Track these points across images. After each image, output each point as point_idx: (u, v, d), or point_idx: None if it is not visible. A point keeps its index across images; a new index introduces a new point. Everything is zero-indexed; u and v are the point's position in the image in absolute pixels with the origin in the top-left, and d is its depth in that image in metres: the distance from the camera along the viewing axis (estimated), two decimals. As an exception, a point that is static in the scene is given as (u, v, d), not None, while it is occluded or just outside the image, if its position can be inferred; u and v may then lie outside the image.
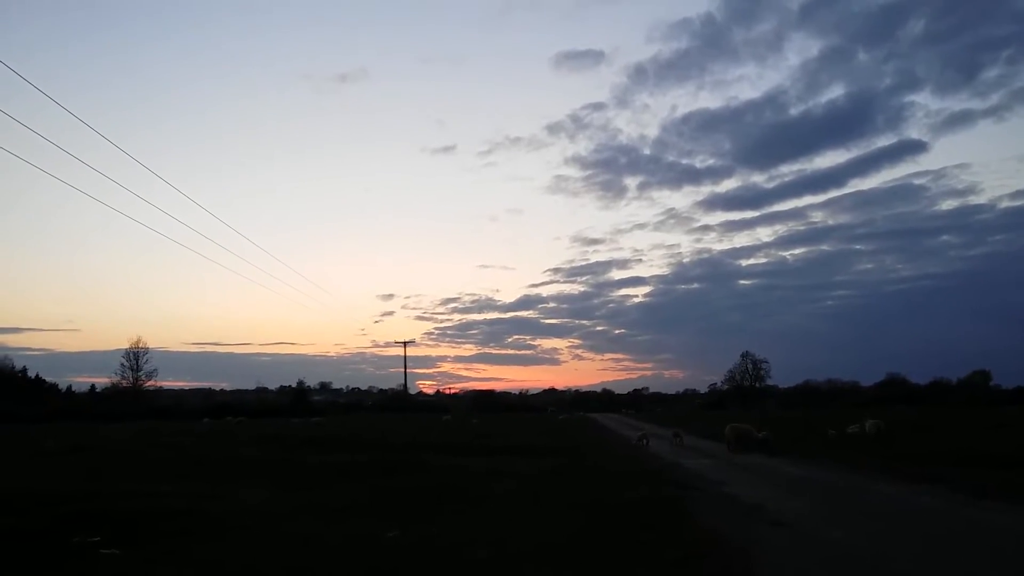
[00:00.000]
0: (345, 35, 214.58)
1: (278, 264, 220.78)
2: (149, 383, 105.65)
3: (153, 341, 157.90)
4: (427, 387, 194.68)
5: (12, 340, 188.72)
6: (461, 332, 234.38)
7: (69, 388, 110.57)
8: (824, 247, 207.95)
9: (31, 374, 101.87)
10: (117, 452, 28.45)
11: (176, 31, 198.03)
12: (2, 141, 19.80)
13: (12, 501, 13.86)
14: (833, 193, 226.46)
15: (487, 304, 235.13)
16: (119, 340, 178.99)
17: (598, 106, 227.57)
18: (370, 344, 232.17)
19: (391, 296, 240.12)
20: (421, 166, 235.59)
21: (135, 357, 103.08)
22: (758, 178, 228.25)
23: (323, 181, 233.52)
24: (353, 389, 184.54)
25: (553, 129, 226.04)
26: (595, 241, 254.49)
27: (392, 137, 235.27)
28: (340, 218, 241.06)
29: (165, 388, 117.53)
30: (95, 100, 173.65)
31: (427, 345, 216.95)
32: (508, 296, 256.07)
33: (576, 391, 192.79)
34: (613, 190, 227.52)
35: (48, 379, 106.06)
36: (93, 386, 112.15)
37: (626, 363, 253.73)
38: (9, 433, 42.20)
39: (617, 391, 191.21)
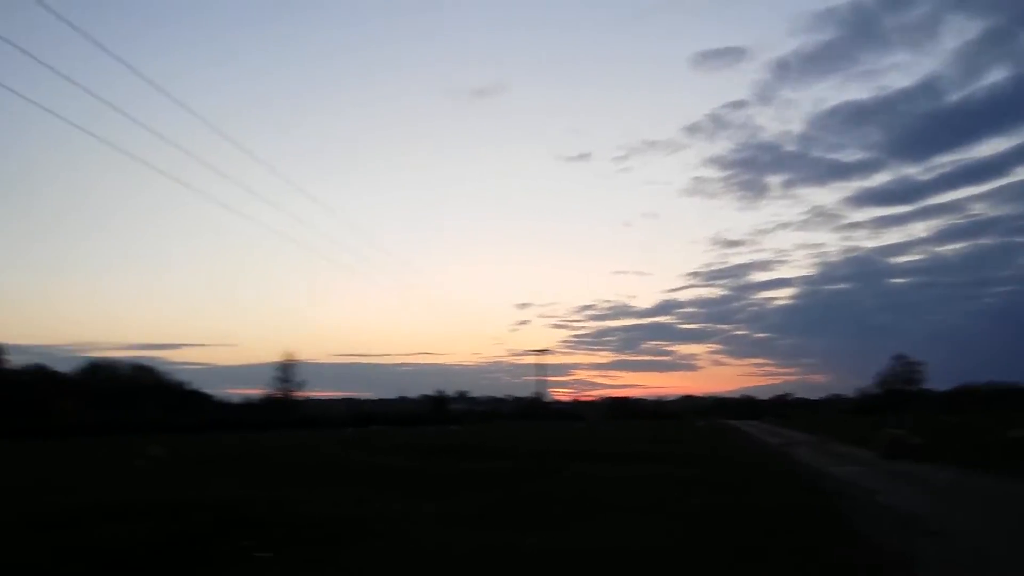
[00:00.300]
0: (482, 50, 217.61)
1: (418, 275, 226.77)
2: (299, 394, 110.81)
3: (303, 353, 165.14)
4: (563, 395, 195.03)
5: (174, 355, 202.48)
6: (597, 339, 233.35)
7: (226, 400, 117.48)
8: (985, 240, 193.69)
9: (192, 387, 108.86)
10: (267, 460, 29.90)
11: (310, 55, 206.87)
12: (157, 162, 21.17)
13: (175, 507, 14.81)
14: (995, 183, 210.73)
15: (623, 310, 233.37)
16: (272, 353, 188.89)
17: (739, 104, 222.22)
18: (507, 353, 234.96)
19: (527, 304, 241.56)
20: (556, 174, 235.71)
21: (286, 369, 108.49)
22: (912, 170, 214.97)
23: (461, 193, 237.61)
24: (490, 397, 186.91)
25: (691, 130, 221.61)
26: (735, 243, 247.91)
27: (528, 147, 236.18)
28: (476, 229, 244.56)
29: (313, 398, 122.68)
30: (235, 114, 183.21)
31: (563, 353, 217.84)
32: (644, 302, 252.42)
33: (715, 397, 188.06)
34: (754, 190, 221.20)
35: (207, 391, 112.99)
36: (248, 397, 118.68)
37: (768, 368, 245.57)
38: (169, 443, 45.18)
39: (759, 397, 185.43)
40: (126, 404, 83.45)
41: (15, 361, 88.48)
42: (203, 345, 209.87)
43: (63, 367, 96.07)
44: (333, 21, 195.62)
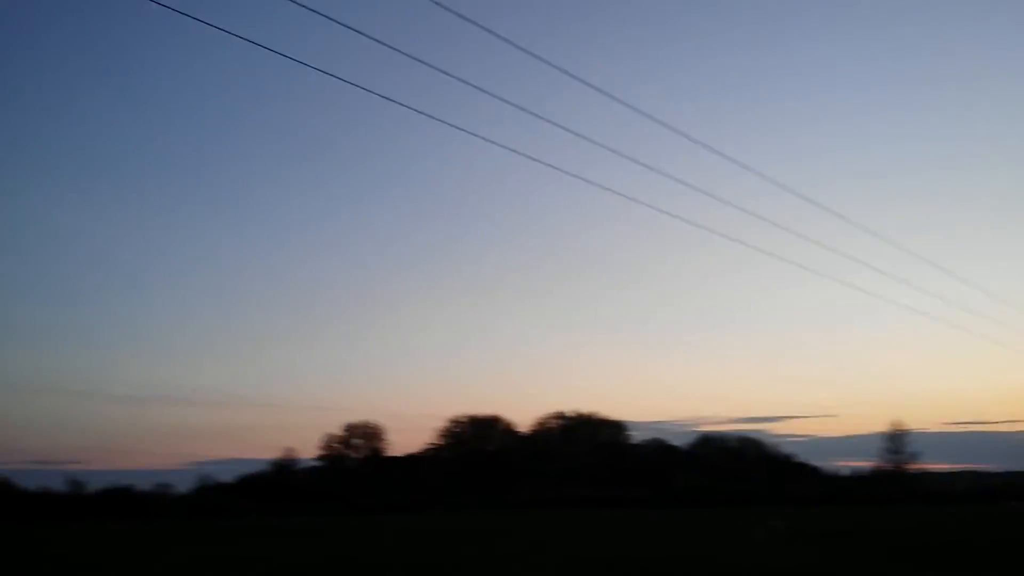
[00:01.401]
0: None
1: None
2: (912, 466, 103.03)
3: (913, 422, 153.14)
4: None
5: (778, 428, 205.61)
6: None
7: (833, 472, 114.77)
8: None
9: (798, 459, 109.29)
10: (885, 538, 28.38)
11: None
12: (757, 242, 21.38)
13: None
14: None
15: None
16: (876, 423, 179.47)
17: None
18: None
19: None
20: None
21: (895, 440, 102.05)
22: None
23: None
24: None
25: None
26: None
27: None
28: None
29: (930, 471, 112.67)
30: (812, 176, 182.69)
31: None
32: None
33: None
34: None
35: (812, 463, 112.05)
36: (856, 470, 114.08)
37: None
38: (784, 515, 45.43)
39: None
40: (734, 475, 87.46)
41: (636, 437, 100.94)
42: (804, 417, 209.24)
43: (677, 441, 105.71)
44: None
